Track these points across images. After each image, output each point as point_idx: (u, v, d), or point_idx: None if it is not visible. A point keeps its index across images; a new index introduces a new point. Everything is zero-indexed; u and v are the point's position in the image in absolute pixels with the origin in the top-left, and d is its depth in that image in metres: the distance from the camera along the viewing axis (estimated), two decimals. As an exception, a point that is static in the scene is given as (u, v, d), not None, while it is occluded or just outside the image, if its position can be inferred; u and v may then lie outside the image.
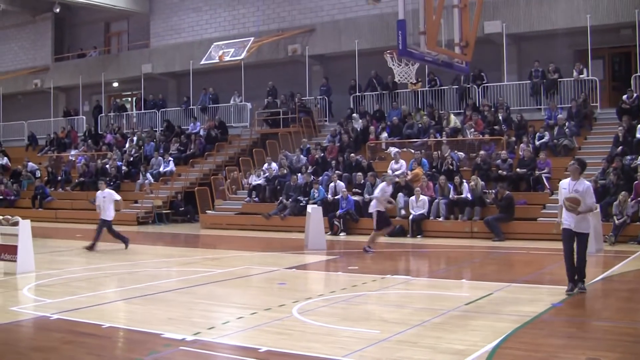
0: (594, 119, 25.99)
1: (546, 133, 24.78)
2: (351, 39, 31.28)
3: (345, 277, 14.60)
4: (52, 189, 34.21)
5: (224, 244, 22.37)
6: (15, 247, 15.12)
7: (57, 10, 38.39)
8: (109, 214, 19.55)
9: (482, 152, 24.06)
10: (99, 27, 42.86)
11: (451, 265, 17.07)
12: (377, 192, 18.55)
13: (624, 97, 25.13)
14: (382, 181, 19.25)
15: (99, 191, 20.13)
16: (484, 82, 28.60)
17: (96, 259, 17.68)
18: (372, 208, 18.49)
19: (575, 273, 11.52)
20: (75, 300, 11.65)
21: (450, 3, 16.32)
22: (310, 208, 20.20)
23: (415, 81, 24.94)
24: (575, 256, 11.51)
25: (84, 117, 40.73)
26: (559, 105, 26.35)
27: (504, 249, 18.88)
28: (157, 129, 36.44)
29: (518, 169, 22.96)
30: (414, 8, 15.39)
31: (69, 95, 43.11)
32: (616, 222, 19.45)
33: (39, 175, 35.57)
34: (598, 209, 18.39)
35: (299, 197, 24.99)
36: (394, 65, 18.47)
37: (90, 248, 19.25)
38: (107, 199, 19.64)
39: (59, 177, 34.59)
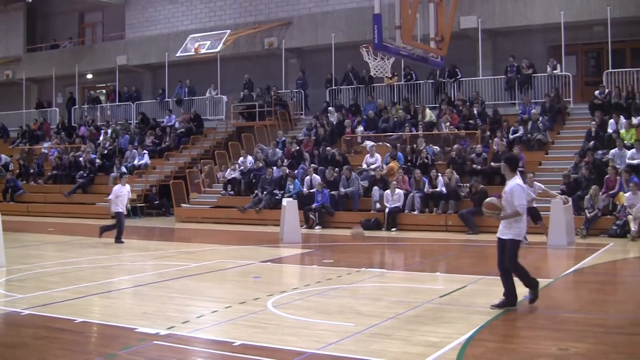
0: (567, 114, 26.26)
1: (520, 127, 24.99)
2: (328, 33, 31.29)
3: (320, 270, 14.63)
4: (24, 182, 33.78)
5: (199, 237, 22.29)
6: None
7: (29, 0, 37.94)
8: (118, 208, 19.57)
9: (456, 146, 24.19)
10: (72, 17, 42.43)
11: (426, 258, 17.15)
12: None
13: (596, 92, 25.46)
14: None
15: (118, 185, 20.06)
16: (458, 77, 28.73)
17: (70, 253, 17.55)
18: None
19: (525, 279, 10.29)
20: (48, 295, 11.52)
21: (426, -2, 16.41)
22: (285, 201, 20.22)
23: (390, 75, 25.00)
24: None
25: (57, 109, 40.30)
26: (533, 100, 26.56)
27: (478, 242, 18.99)
28: (132, 122, 36.21)
29: (492, 163, 23.07)
30: (390, 2, 15.44)
31: (41, 87, 42.67)
32: (588, 215, 19.68)
33: (11, 168, 35.05)
34: (570, 203, 18.59)
35: (274, 191, 24.97)
36: (369, 59, 18.54)
37: (119, 241, 19.35)
38: (129, 194, 19.95)
39: (32, 170, 34.22)
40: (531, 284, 10.18)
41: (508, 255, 10.03)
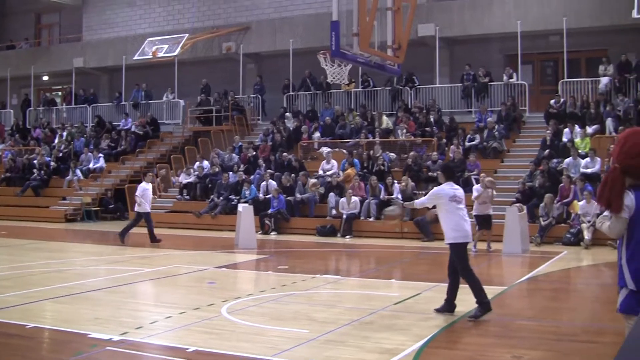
0: (522, 123, 26.55)
1: (476, 135, 25.23)
2: (286, 38, 31.29)
3: (275, 276, 14.60)
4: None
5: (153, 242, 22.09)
6: None
7: (-16, 0, 37.50)
8: (147, 207, 20.02)
9: (413, 153, 24.31)
10: (29, 18, 41.85)
11: (381, 265, 17.20)
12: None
13: (552, 101, 25.77)
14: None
15: (144, 183, 20.44)
16: (415, 84, 28.89)
17: (22, 257, 17.31)
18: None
19: (450, 292, 10.24)
20: (-1, 300, 11.37)
21: (384, 5, 16.44)
22: (241, 207, 20.18)
23: (347, 82, 25.07)
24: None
25: (12, 111, 39.76)
26: (489, 109, 26.82)
27: (433, 249, 19.09)
28: (88, 125, 35.85)
29: (434, 173, 23.26)
30: (349, 9, 15.48)
31: (-4, 88, 42.09)
32: (542, 223, 19.92)
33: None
34: (525, 211, 18.79)
35: (230, 196, 24.90)
36: (327, 65, 18.54)
37: (155, 240, 19.95)
38: (150, 192, 20.39)
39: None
40: (481, 294, 9.91)
41: (456, 260, 10.09)
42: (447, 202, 10.07)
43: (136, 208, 20.21)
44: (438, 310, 10.14)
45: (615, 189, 5.52)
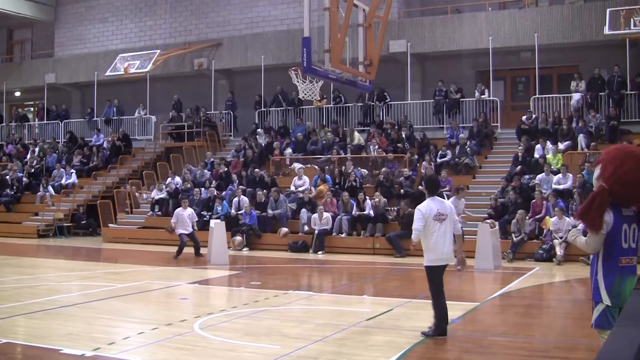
0: (494, 139, 26.73)
1: (448, 151, 25.36)
2: (257, 54, 31.34)
3: (248, 292, 14.60)
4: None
5: (126, 258, 22.02)
6: None
7: (-44, 15, 37.26)
8: (190, 228, 20.95)
9: (384, 169, 24.40)
10: (1, 34, 41.57)
11: (353, 281, 17.25)
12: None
13: (524, 117, 25.95)
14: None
15: (180, 209, 21.12)
16: (387, 100, 29.03)
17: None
18: None
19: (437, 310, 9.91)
20: (-30, 316, 11.28)
21: (356, 22, 16.57)
22: (213, 223, 20.15)
23: (319, 98, 25.19)
24: None
25: (-16, 127, 39.52)
26: (461, 125, 27.00)
27: (405, 265, 19.16)
28: (60, 140, 35.67)
29: (420, 187, 23.34)
30: (320, 26, 15.57)
31: (-33, 104, 41.76)
32: (514, 239, 19.95)
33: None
34: (497, 227, 18.89)
35: (202, 212, 24.82)
36: (298, 82, 18.66)
37: (199, 254, 20.71)
38: (191, 216, 21.15)
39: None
40: (440, 318, 9.74)
41: (428, 282, 9.85)
42: (430, 221, 9.68)
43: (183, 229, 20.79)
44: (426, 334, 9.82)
45: (600, 210, 5.59)
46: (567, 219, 19.46)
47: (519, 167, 23.36)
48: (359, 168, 25.49)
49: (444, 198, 21.07)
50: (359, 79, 17.34)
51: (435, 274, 9.81)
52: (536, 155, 23.83)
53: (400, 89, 29.29)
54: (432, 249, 9.70)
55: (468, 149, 25.17)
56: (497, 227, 18.91)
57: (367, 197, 22.92)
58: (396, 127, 27.38)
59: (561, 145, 24.23)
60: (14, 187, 31.24)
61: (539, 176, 22.39)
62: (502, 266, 18.26)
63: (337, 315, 11.92)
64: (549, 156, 23.58)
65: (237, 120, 32.62)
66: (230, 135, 32.49)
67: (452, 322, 10.48)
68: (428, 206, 9.77)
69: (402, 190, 23.30)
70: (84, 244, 26.28)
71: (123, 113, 34.87)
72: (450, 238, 9.84)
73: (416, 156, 25.59)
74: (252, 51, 31.87)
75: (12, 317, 11.35)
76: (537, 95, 27.04)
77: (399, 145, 26.35)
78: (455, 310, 11.83)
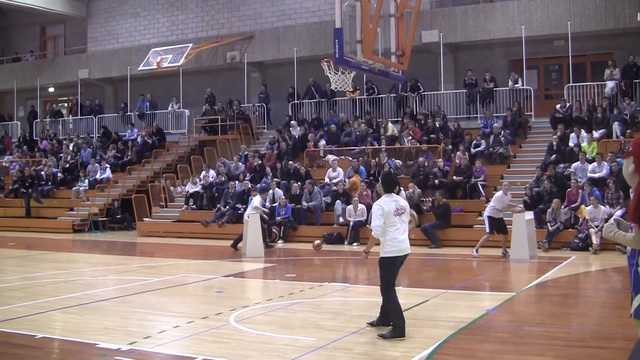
0: (528, 128, 26.47)
1: (482, 141, 25.16)
2: (290, 47, 31.32)
3: (283, 284, 14.58)
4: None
5: (161, 252, 22.14)
6: None
7: (-9, 12, 37.76)
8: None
9: (421, 159, 24.19)
10: (34, 30, 42.08)
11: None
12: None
13: (557, 106, 25.65)
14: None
15: (255, 198, 21.10)
16: (420, 91, 28.86)
17: (31, 268, 17.37)
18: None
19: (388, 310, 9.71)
20: (9, 311, 11.39)
21: (387, 12, 16.47)
22: (247, 215, 20.15)
23: (351, 89, 25.09)
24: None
25: (19, 123, 39.89)
26: (495, 114, 26.77)
27: (441, 255, 19.07)
28: (94, 135, 35.95)
29: (454, 177, 23.24)
30: (352, 17, 15.49)
31: (3, 100, 42.22)
32: (550, 228, 19.77)
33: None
34: (532, 217, 18.72)
35: (236, 205, 24.88)
36: (330, 73, 18.58)
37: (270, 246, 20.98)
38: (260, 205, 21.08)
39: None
40: (397, 318, 9.36)
41: (380, 275, 9.74)
42: (390, 216, 9.52)
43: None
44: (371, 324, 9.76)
45: None
46: (603, 207, 19.25)
47: (554, 156, 23.11)
48: (393, 159, 25.36)
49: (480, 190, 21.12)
50: (391, 70, 17.25)
51: (389, 266, 9.69)
52: (571, 144, 23.55)
53: (433, 79, 29.12)
54: (390, 241, 9.57)
55: (502, 138, 24.95)
56: (523, 211, 18.64)
57: (402, 188, 22.78)
58: (430, 117, 27.21)
59: (596, 134, 23.91)
60: (49, 183, 31.51)
61: (574, 165, 22.13)
62: (538, 256, 18.15)
63: (372, 306, 11.80)
64: (584, 144, 23.30)
65: (271, 113, 32.62)
66: (264, 128, 32.50)
67: (489, 312, 10.38)
68: (386, 203, 9.56)
69: (436, 181, 23.13)
70: (119, 238, 26.45)
71: (156, 107, 35.04)
72: (405, 232, 9.70)
73: (450, 146, 25.41)
74: (284, 43, 31.84)
75: (48, 312, 11.43)
76: (570, 84, 26.70)
77: (433, 135, 26.18)
78: (491, 300, 11.79)
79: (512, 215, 18.16)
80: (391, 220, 9.51)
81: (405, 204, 9.87)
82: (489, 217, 18.17)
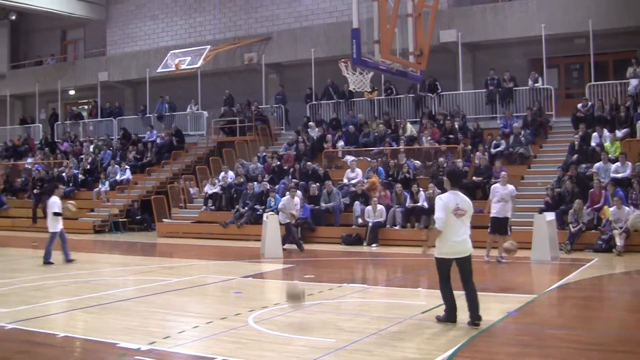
0: (549, 127, 26.25)
1: (502, 141, 25.00)
2: (307, 48, 31.32)
3: (302, 285, 14.51)
4: (9, 197, 33.63)
5: (180, 252, 22.20)
6: None
7: (13, 17, 38.14)
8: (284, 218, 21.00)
9: (441, 159, 24.06)
10: (55, 34, 42.47)
11: (408, 274, 17.10)
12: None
13: (579, 105, 25.37)
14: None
15: (287, 197, 21.60)
16: (439, 91, 28.75)
17: (53, 268, 17.46)
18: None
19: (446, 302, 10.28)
20: (31, 310, 11.56)
21: (405, 12, 16.40)
22: (266, 216, 20.15)
23: (370, 90, 25.02)
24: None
25: (41, 125, 40.25)
26: (515, 114, 26.58)
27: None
28: (114, 137, 36.14)
29: (474, 177, 23.09)
30: (369, 17, 15.44)
31: (25, 103, 42.70)
32: (572, 230, 19.51)
33: (-5, 183, 35.10)
34: (553, 218, 18.49)
35: (255, 206, 24.89)
36: (348, 74, 18.54)
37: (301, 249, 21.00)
38: (297, 205, 21.54)
39: (21, 186, 33.96)
40: (448, 305, 10.10)
41: (438, 273, 10.14)
42: (449, 214, 9.76)
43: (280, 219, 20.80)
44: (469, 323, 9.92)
45: None
46: (627, 208, 19.03)
47: (576, 155, 22.90)
48: (411, 159, 25.28)
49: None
50: (409, 70, 17.18)
51: (444, 266, 10.04)
52: (593, 144, 23.30)
53: (452, 79, 29.00)
54: (444, 241, 9.83)
55: (522, 138, 24.78)
56: (554, 217, 18.33)
57: (421, 189, 22.70)
58: (449, 117, 27.10)
59: (619, 133, 23.61)
60: (70, 184, 31.69)
61: (597, 165, 21.88)
62: (560, 257, 17.91)
63: (392, 308, 11.82)
64: (607, 144, 23.02)
65: (289, 114, 32.63)
66: (282, 129, 32.51)
67: (509, 314, 10.30)
68: (449, 199, 9.85)
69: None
70: (139, 239, 26.54)
71: (175, 109, 35.17)
72: (464, 233, 9.89)
73: (469, 147, 25.26)
74: (301, 44, 31.85)
75: (70, 312, 11.58)
76: (592, 82, 26.47)
77: (452, 136, 26.06)
78: (511, 302, 11.69)
79: (532, 216, 17.96)
80: (449, 219, 9.68)
81: (467, 206, 9.96)
82: (492, 218, 17.63)
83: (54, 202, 18.67)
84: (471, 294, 9.95)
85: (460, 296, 10.10)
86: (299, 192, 23.96)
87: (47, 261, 18.17)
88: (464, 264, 10.02)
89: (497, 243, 17.49)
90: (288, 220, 20.86)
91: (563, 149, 24.21)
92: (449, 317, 9.97)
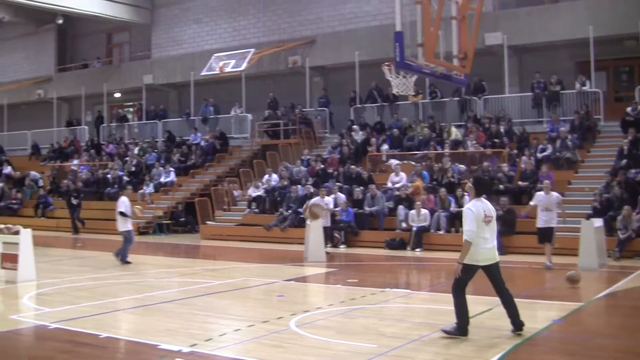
0: (597, 132, 25.77)
1: (548, 146, 24.62)
2: (351, 51, 31.23)
3: (344, 290, 14.49)
4: (55, 198, 34.09)
5: (223, 255, 22.29)
6: (16, 255, 15.36)
7: (60, 21, 38.75)
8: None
9: (486, 164, 23.79)
10: (100, 38, 43.08)
11: (451, 279, 16.84)
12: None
13: (628, 109, 24.86)
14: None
15: (318, 197, 21.75)
16: (485, 93, 28.45)
17: (97, 269, 17.67)
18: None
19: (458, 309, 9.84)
20: (75, 310, 11.73)
21: (449, 15, 16.25)
22: (309, 220, 20.08)
23: (413, 93, 24.80)
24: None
25: (87, 127, 40.90)
26: (562, 118, 26.19)
27: (505, 263, 18.51)
28: (158, 140, 36.43)
29: (520, 182, 22.79)
30: (413, 20, 15.32)
31: (71, 105, 43.39)
32: (620, 237, 19.07)
33: (42, 184, 35.59)
34: (601, 224, 18.10)
35: (299, 209, 24.85)
36: (391, 77, 18.41)
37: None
38: (328, 205, 21.64)
39: (66, 187, 34.40)
40: (461, 318, 9.60)
41: (457, 278, 9.72)
42: (479, 222, 9.53)
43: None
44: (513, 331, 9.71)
45: None
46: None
47: (625, 160, 22.43)
48: (456, 164, 25.04)
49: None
50: (453, 73, 17.02)
51: (467, 273, 9.66)
52: (642, 148, 22.87)
53: (497, 82, 28.64)
54: (473, 249, 9.52)
55: (569, 142, 24.40)
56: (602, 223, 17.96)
57: (465, 193, 22.43)
58: (494, 121, 26.80)
59: (669, 137, 23.17)
60: (115, 186, 32.01)
61: (647, 170, 21.46)
62: (608, 265, 17.57)
63: (434, 314, 11.69)
64: (657, 149, 22.58)
65: (333, 117, 32.58)
66: (326, 132, 32.46)
67: (555, 322, 10.12)
68: (478, 209, 9.58)
69: (501, 186, 22.74)
70: (183, 241, 26.68)
71: (219, 112, 35.32)
72: (491, 240, 9.73)
73: (515, 151, 24.95)
74: (345, 47, 31.79)
75: (113, 312, 11.72)
76: (642, 85, 25.97)
77: (497, 140, 25.78)
78: (558, 310, 11.50)
79: (579, 222, 17.66)
80: (479, 228, 9.49)
81: (492, 212, 9.78)
82: (537, 228, 17.32)
83: (122, 202, 19.00)
84: (508, 300, 9.74)
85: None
86: (341, 195, 23.94)
87: (123, 259, 18.58)
88: (495, 270, 9.80)
89: (543, 249, 17.27)
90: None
91: (611, 153, 23.72)
92: (462, 330, 9.52)
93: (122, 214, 18.82)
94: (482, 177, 10.46)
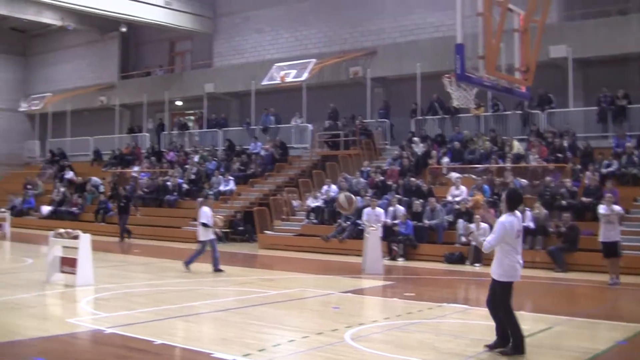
0: (666, 148, 25.13)
1: (614, 161, 24.08)
2: (412, 62, 31.05)
3: (401, 303, 14.33)
4: (115, 204, 34.50)
5: (280, 265, 22.27)
6: (75, 260, 15.56)
7: (124, 29, 39.37)
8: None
9: (548, 179, 23.37)
10: (163, 46, 43.68)
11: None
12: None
13: (701, 125, 24.21)
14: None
15: (369, 208, 21.48)
16: (552, 104, 27.92)
17: (154, 275, 17.89)
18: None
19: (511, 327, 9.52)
20: (131, 315, 11.87)
21: (511, 27, 16.02)
22: (368, 231, 19.95)
23: (474, 105, 24.53)
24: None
25: (148, 135, 41.37)
26: (628, 133, 25.57)
27: (567, 280, 18.34)
28: (219, 148, 36.69)
29: (583, 198, 22.31)
30: (474, 32, 15.12)
31: (133, 113, 44.03)
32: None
33: (103, 190, 36.12)
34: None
35: (357, 220, 24.71)
36: (452, 89, 18.20)
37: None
38: (379, 216, 21.00)
39: (132, 194, 34.83)
40: (515, 336, 9.34)
41: (498, 298, 9.46)
42: (512, 238, 9.31)
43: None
44: (489, 347, 9.53)
45: None
46: None
47: (696, 178, 21.84)
48: (518, 178, 24.63)
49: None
50: (515, 86, 16.75)
51: (507, 290, 9.45)
52: None
53: (561, 95, 28.14)
54: (509, 264, 9.34)
55: (636, 158, 23.83)
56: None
57: (527, 209, 22.07)
58: (557, 135, 26.33)
59: None
60: (174, 193, 32.29)
61: None
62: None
63: (492, 330, 11.40)
64: None
65: (393, 129, 32.42)
66: (387, 144, 32.31)
67: (618, 344, 9.82)
68: (511, 223, 9.35)
69: (563, 202, 22.31)
70: (241, 249, 26.74)
71: (280, 121, 35.42)
72: (520, 255, 9.50)
73: (579, 166, 24.46)
74: (407, 59, 31.62)
75: (168, 319, 11.73)
76: None
77: (560, 154, 25.31)
78: (622, 331, 11.15)
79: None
80: (513, 242, 9.27)
81: (521, 226, 9.57)
82: (601, 242, 17.08)
83: (204, 213, 19.11)
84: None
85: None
86: (400, 207, 23.76)
87: (187, 263, 18.89)
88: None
89: (607, 266, 16.87)
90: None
91: (682, 170, 23.09)
92: (519, 348, 9.28)
93: (205, 224, 18.94)
94: (516, 191, 10.21)
